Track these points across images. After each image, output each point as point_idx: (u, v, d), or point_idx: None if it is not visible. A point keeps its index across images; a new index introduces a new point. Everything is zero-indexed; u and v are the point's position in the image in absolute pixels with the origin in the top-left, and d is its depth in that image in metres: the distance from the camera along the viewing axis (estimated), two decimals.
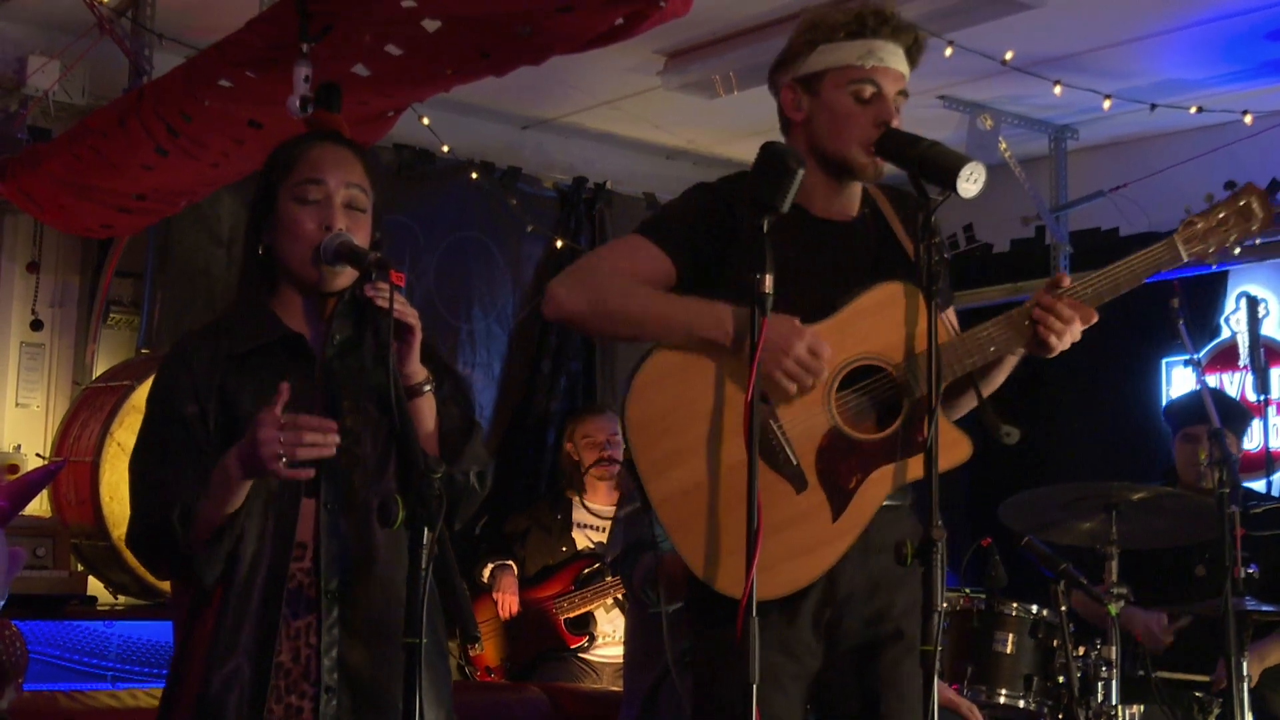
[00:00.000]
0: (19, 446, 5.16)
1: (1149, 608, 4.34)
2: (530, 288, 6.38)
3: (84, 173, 4.44)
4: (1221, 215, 2.51)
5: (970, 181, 2.26)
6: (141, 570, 4.63)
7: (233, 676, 2.13)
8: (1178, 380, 6.13)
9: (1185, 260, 2.50)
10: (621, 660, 4.45)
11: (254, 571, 2.17)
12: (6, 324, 5.34)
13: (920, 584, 2.40)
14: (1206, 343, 5.95)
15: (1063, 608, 3.74)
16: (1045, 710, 3.82)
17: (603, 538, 5.23)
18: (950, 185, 2.27)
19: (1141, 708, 3.88)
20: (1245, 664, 3.59)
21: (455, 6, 3.46)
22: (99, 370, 5.25)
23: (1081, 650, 3.79)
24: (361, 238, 2.26)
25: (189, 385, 2.21)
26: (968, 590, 4.03)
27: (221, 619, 2.15)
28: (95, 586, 4.84)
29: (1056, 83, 5.39)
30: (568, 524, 5.30)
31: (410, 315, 2.16)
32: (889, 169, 2.47)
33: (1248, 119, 5.50)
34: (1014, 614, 3.86)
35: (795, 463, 2.34)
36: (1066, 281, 2.43)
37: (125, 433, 4.58)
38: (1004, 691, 3.82)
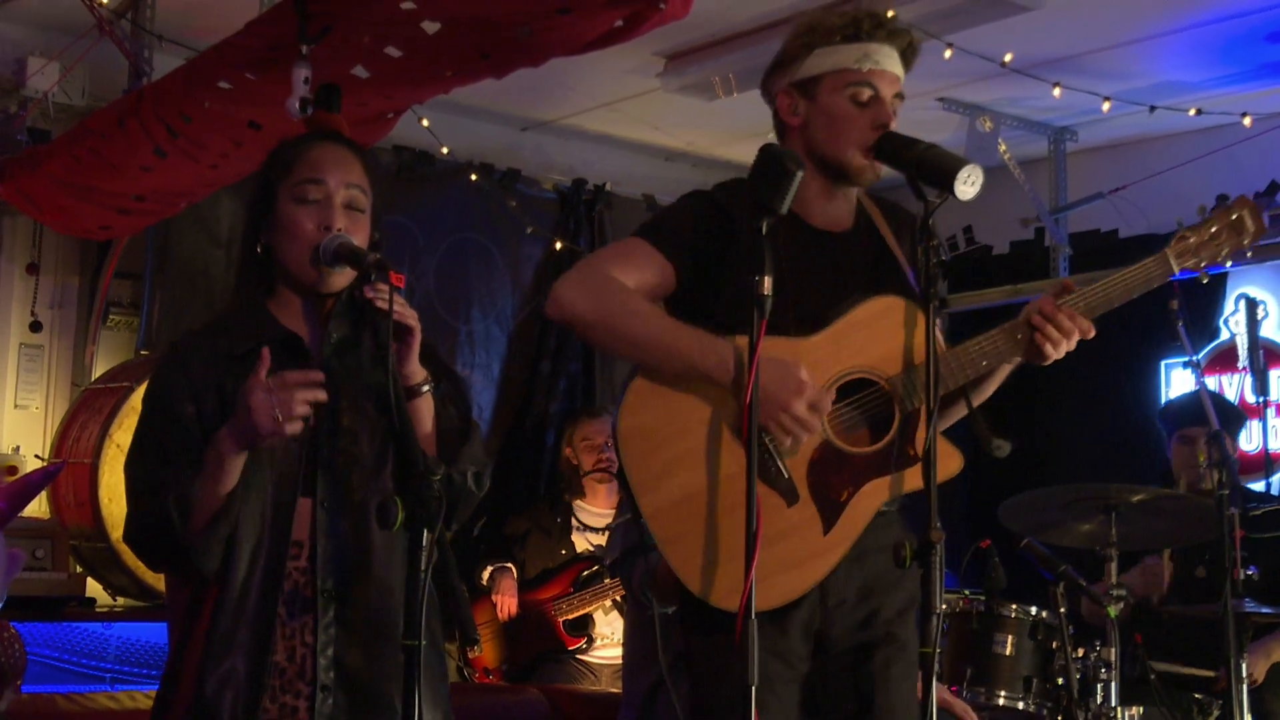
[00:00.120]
0: (18, 448, 5.16)
1: (1151, 607, 4.34)
2: (530, 289, 6.38)
3: (83, 174, 4.44)
4: (1214, 229, 2.52)
5: (967, 184, 2.27)
6: (140, 572, 4.63)
7: (228, 676, 2.14)
8: (1177, 382, 6.13)
9: (1176, 274, 2.51)
10: (620, 662, 4.45)
11: (250, 570, 2.17)
12: (5, 325, 5.34)
13: (911, 586, 2.42)
14: (1206, 344, 5.95)
15: (1062, 609, 3.74)
16: (1044, 712, 3.82)
17: (602, 540, 5.23)
18: (948, 187, 2.27)
19: (1141, 709, 3.88)
20: (1245, 665, 3.59)
21: (454, 8, 3.46)
22: (98, 372, 5.25)
23: (1081, 652, 3.79)
24: (360, 238, 2.26)
25: (186, 385, 2.21)
26: (967, 592, 4.03)
27: (218, 618, 2.15)
28: (94, 588, 4.83)
29: (1056, 85, 5.39)
30: (567, 527, 5.30)
31: (409, 317, 2.17)
32: (886, 172, 2.47)
33: (1247, 121, 5.50)
34: (1013, 615, 3.86)
35: (787, 475, 2.35)
36: (1073, 286, 2.44)
37: (124, 434, 4.58)
38: (1003, 693, 3.82)
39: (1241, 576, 3.59)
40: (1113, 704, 3.74)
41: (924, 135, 2.39)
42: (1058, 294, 2.44)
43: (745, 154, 2.29)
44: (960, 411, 2.50)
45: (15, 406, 5.35)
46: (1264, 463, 5.46)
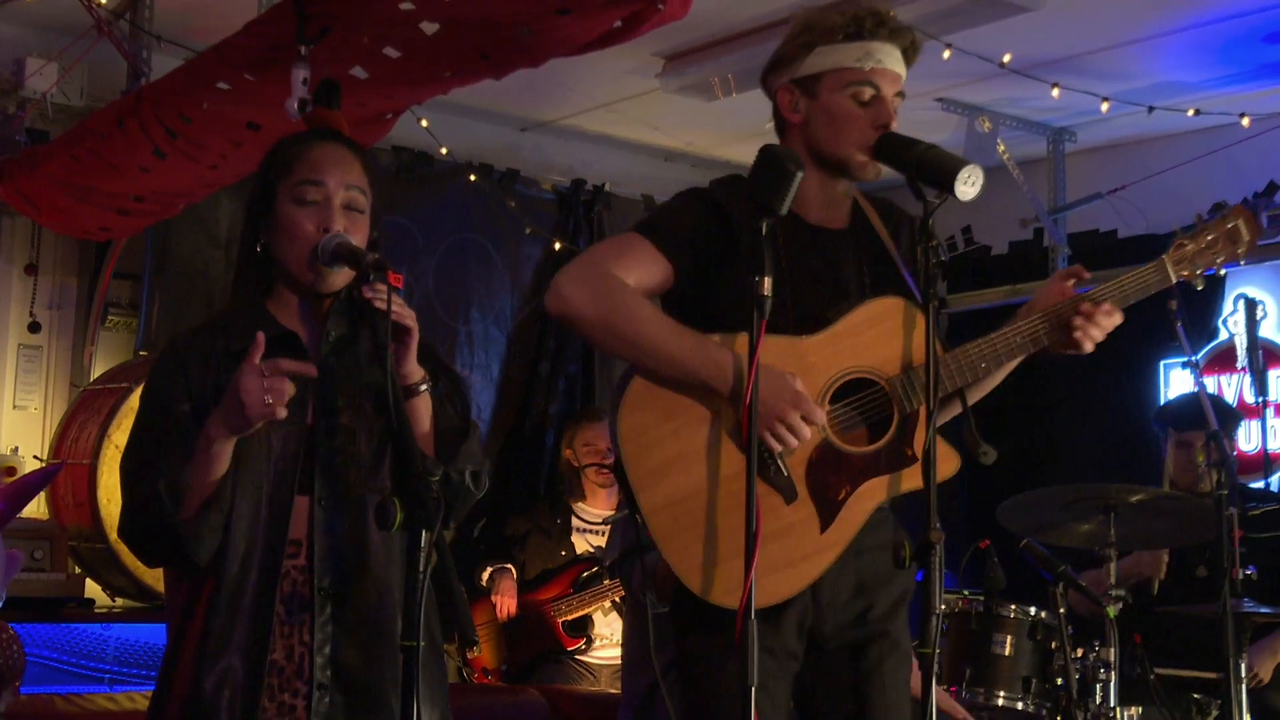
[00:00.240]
0: (16, 449, 5.15)
1: (1151, 608, 4.33)
2: (529, 290, 6.38)
3: (82, 175, 4.44)
4: (1210, 237, 2.54)
5: (968, 184, 2.27)
6: (139, 572, 4.63)
7: (225, 675, 2.13)
8: (1176, 382, 6.13)
9: (1174, 282, 2.53)
10: (619, 662, 4.45)
11: (246, 568, 2.17)
12: (4, 326, 5.34)
13: (904, 582, 2.44)
14: (1204, 345, 5.95)
15: (1061, 609, 3.74)
16: (1044, 712, 3.82)
17: (601, 541, 5.23)
18: (948, 188, 2.27)
19: (1140, 709, 3.88)
20: (1250, 664, 3.60)
21: (453, 9, 3.46)
22: (97, 372, 5.25)
23: (1080, 652, 3.79)
24: (359, 239, 2.26)
25: (183, 384, 2.21)
26: (966, 592, 4.03)
27: (213, 616, 2.15)
28: (93, 589, 4.83)
29: (1054, 85, 5.40)
30: (567, 528, 5.30)
31: (408, 317, 2.16)
32: (887, 172, 2.47)
33: (1245, 121, 5.50)
34: (1012, 616, 3.86)
35: (786, 474, 2.35)
36: (1086, 275, 2.46)
37: (123, 435, 4.57)
38: (1002, 693, 3.82)
39: (1240, 576, 3.59)
40: (1112, 704, 3.74)
41: (922, 136, 2.39)
42: (1066, 277, 2.46)
43: (744, 154, 2.29)
44: (955, 410, 2.50)
45: (14, 407, 5.35)
46: (1263, 463, 5.46)
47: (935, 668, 2.15)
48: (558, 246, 6.31)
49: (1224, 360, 5.90)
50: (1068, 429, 6.29)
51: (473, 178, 6.12)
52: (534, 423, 6.33)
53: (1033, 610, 3.85)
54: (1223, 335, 5.91)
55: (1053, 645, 3.81)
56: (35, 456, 5.09)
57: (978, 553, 3.83)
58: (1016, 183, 5.89)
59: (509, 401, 6.33)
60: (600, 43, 3.56)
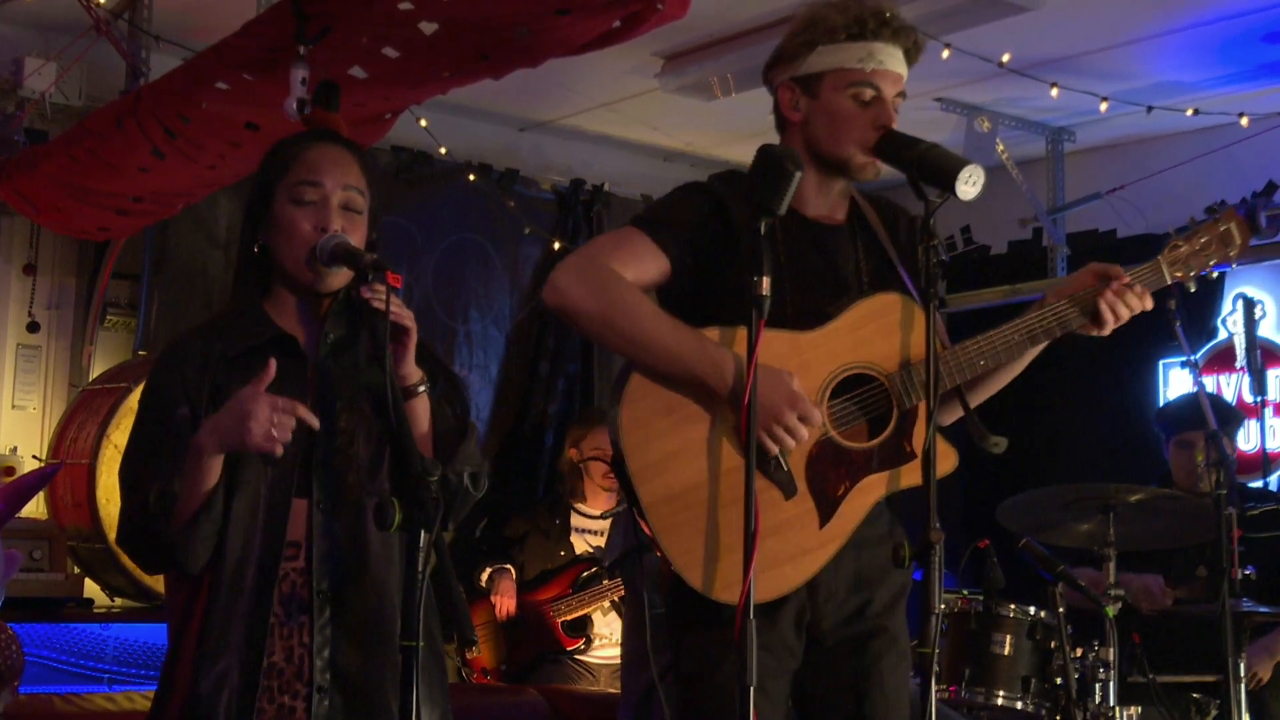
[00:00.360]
0: (15, 449, 5.15)
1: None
2: (528, 290, 6.38)
3: (81, 175, 4.44)
4: (1203, 240, 2.55)
5: (969, 184, 2.27)
6: (138, 572, 4.62)
7: (223, 676, 2.13)
8: (1175, 382, 6.13)
9: (1169, 283, 2.54)
10: (618, 662, 4.46)
11: (244, 570, 2.16)
12: (3, 326, 5.34)
13: (901, 578, 2.43)
14: (1203, 344, 5.95)
15: (1060, 609, 3.74)
16: (1043, 712, 3.82)
17: (601, 542, 5.23)
18: (949, 187, 2.27)
19: (1139, 709, 3.88)
20: (1249, 664, 3.60)
21: (452, 9, 3.46)
22: (96, 372, 5.25)
23: (1079, 652, 3.79)
24: (358, 239, 2.26)
25: (181, 387, 2.21)
26: (965, 592, 4.03)
27: (210, 618, 2.15)
28: (92, 589, 4.83)
29: (1053, 85, 5.40)
30: (566, 528, 5.30)
31: (406, 317, 2.16)
32: (887, 171, 2.47)
33: (1244, 121, 5.50)
34: (1012, 615, 3.86)
35: (786, 469, 2.35)
36: (1126, 278, 2.47)
37: (122, 435, 4.57)
38: (1002, 693, 3.82)
39: (1239, 576, 3.59)
40: (1111, 704, 3.74)
41: (922, 135, 2.39)
42: (1100, 274, 2.47)
43: (744, 154, 2.29)
44: (955, 413, 2.50)
45: (13, 407, 5.35)
46: (1262, 462, 5.46)
47: (935, 668, 2.15)
48: (557, 246, 6.31)
49: (1223, 360, 5.90)
50: (1068, 429, 6.29)
51: (472, 178, 6.12)
52: (533, 423, 6.33)
53: (1032, 610, 3.85)
54: (1222, 335, 5.91)
55: (1052, 645, 3.81)
56: (34, 456, 5.09)
57: (977, 552, 3.82)
58: (1016, 182, 5.89)
59: (508, 401, 6.33)
60: (599, 43, 3.56)
